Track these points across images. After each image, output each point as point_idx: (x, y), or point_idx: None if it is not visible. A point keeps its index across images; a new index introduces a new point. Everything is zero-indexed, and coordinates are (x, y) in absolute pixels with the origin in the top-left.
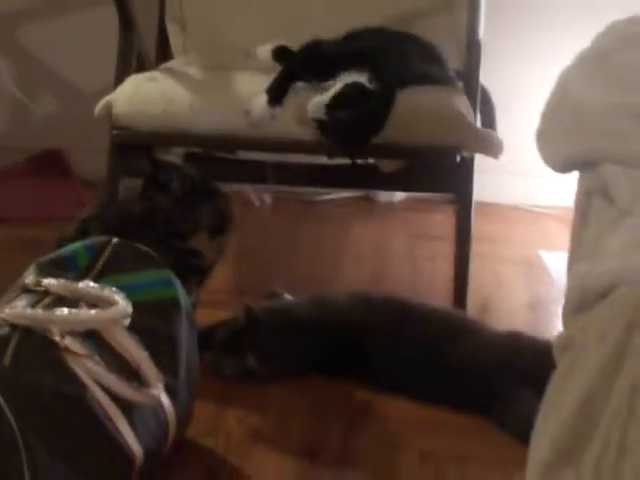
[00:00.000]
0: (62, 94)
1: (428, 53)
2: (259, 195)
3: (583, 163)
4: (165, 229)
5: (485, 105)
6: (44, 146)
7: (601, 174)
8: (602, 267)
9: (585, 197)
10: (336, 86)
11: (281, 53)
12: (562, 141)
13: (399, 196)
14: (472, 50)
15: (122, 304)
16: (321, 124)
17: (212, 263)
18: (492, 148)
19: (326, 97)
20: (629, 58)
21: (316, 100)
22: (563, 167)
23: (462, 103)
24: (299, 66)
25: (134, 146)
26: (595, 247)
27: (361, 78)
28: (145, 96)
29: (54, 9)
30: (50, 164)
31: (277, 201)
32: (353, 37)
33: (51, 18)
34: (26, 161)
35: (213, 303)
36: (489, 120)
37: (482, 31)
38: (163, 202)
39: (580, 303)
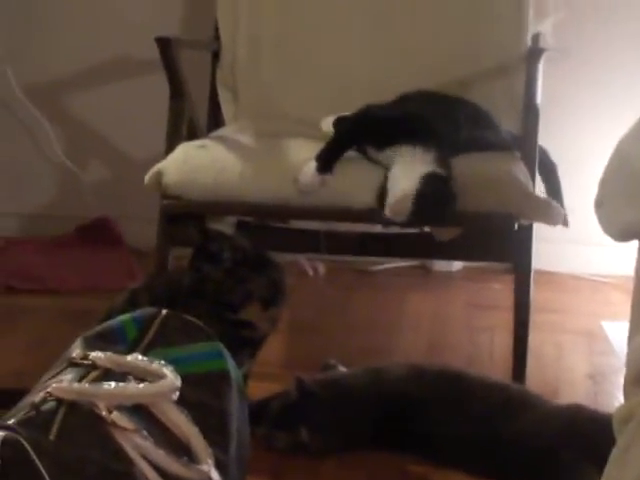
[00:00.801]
0: (112, 162)
1: (481, 118)
2: (313, 264)
3: None
4: (215, 300)
5: (550, 174)
6: (94, 215)
7: None
8: None
9: None
10: (407, 180)
11: (340, 122)
12: (621, 209)
13: (456, 265)
14: (530, 115)
15: (171, 378)
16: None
17: (264, 335)
18: (551, 216)
19: (404, 196)
20: None
21: (397, 200)
22: (623, 236)
23: (519, 170)
24: (350, 133)
25: (185, 215)
26: None
27: (426, 158)
28: (195, 164)
29: (104, 76)
30: (100, 233)
31: (331, 271)
32: (404, 101)
33: (101, 85)
34: (76, 231)
35: (266, 376)
36: (554, 189)
37: (540, 96)
38: (212, 272)
39: None
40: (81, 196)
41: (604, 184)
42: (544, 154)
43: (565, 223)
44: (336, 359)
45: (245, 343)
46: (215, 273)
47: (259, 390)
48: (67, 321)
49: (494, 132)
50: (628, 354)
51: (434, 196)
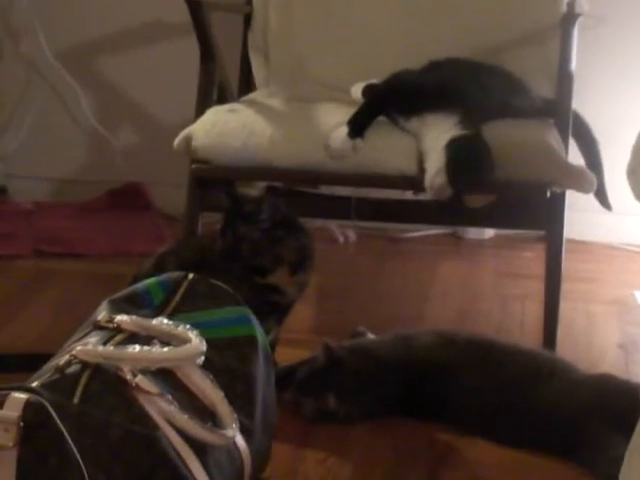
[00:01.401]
0: (143, 127)
1: (512, 85)
2: (343, 231)
3: None
4: (246, 264)
5: (589, 143)
6: (125, 180)
7: None
8: None
9: None
10: (435, 152)
11: (370, 89)
12: None
13: (488, 233)
14: (564, 82)
15: (196, 342)
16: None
17: (292, 300)
18: (584, 184)
19: (437, 171)
20: None
21: (431, 178)
22: None
23: (552, 136)
24: (382, 99)
25: (215, 180)
26: None
27: (451, 122)
28: (225, 128)
29: (135, 40)
30: (131, 198)
31: (362, 238)
32: (435, 68)
33: (132, 50)
34: (107, 195)
35: (294, 342)
36: (592, 157)
37: (574, 63)
38: (249, 234)
39: None
40: (112, 161)
41: (637, 151)
42: (579, 119)
43: (607, 206)
44: (365, 326)
45: (273, 309)
46: (252, 234)
47: (287, 356)
48: (96, 285)
49: (527, 99)
50: None
51: (464, 158)
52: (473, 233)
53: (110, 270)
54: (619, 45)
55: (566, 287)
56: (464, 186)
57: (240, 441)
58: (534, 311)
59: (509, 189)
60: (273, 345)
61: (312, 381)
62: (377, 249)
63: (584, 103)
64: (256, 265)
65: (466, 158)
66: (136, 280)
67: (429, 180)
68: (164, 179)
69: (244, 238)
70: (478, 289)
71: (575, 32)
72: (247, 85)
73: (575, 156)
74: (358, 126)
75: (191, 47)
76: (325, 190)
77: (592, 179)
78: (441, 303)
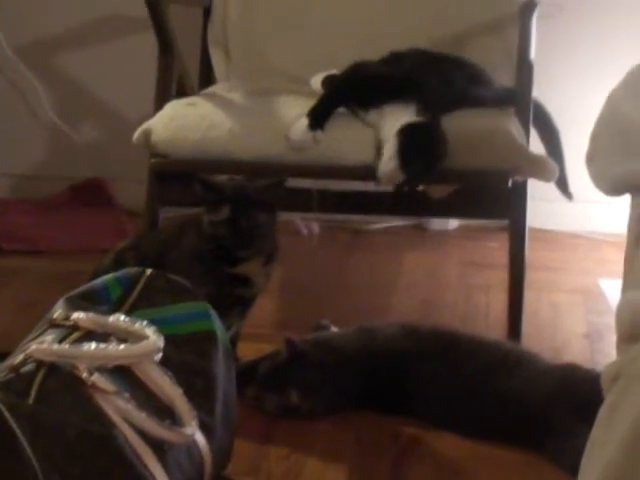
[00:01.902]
0: (104, 122)
1: (474, 75)
2: (307, 224)
3: (635, 185)
4: (220, 253)
5: (549, 131)
6: (86, 175)
7: None
8: None
9: (638, 221)
10: (390, 140)
11: (330, 81)
12: (612, 163)
13: (452, 224)
14: (524, 70)
15: (153, 338)
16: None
17: (257, 293)
18: (545, 172)
19: (389, 157)
20: None
21: (384, 164)
22: (614, 190)
23: (513, 125)
24: (341, 90)
25: (175, 174)
26: None
27: (407, 111)
28: (184, 121)
29: (94, 35)
30: (92, 194)
31: (325, 230)
32: (396, 58)
33: (92, 45)
34: (68, 191)
35: (257, 336)
36: (553, 146)
37: (534, 51)
38: (261, 219)
39: (631, 332)
40: (73, 157)
41: (595, 138)
42: (540, 108)
43: (569, 196)
44: (329, 320)
45: (237, 301)
46: (262, 219)
47: (250, 351)
48: (57, 282)
49: (489, 88)
50: (617, 310)
51: (415, 144)
52: (437, 224)
53: (71, 267)
54: (579, 33)
55: (530, 276)
56: (416, 172)
57: (200, 438)
58: (499, 301)
59: (471, 178)
60: (235, 340)
61: (274, 376)
62: (341, 241)
63: (545, 92)
64: (234, 254)
65: (418, 143)
66: (95, 276)
67: (381, 167)
68: (126, 174)
69: (258, 224)
70: (443, 280)
71: (534, 21)
72: (207, 79)
73: (536, 146)
74: (318, 118)
75: (151, 41)
76: (287, 182)
77: (553, 167)
78: (406, 294)
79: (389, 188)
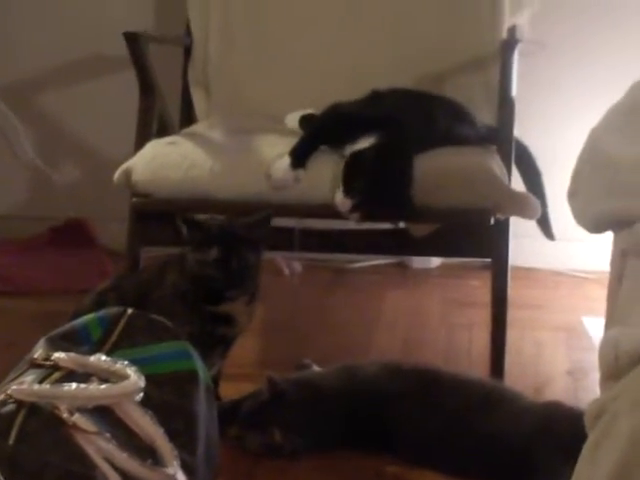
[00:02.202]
0: (85, 162)
1: (456, 113)
2: (289, 263)
3: (617, 222)
4: (202, 292)
5: (530, 169)
6: (67, 216)
7: (635, 233)
8: (636, 332)
9: (620, 258)
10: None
11: (307, 120)
12: (594, 199)
13: (434, 262)
14: (505, 107)
15: (134, 378)
16: (358, 210)
17: (239, 332)
18: (527, 209)
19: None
20: None
21: (339, 195)
22: (596, 227)
23: (495, 163)
24: (323, 129)
25: (156, 214)
26: (630, 310)
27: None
28: (164, 160)
29: (75, 75)
30: (74, 234)
31: (308, 269)
32: (377, 97)
33: (72, 84)
34: (49, 232)
35: (240, 376)
36: (535, 185)
37: (515, 89)
38: (251, 259)
39: (614, 370)
40: (54, 197)
41: (577, 175)
42: (522, 147)
43: (550, 236)
44: (311, 359)
45: (219, 340)
46: (252, 259)
47: (233, 390)
48: (38, 323)
49: (471, 126)
50: (600, 347)
51: (357, 169)
52: (419, 262)
53: (52, 307)
54: (561, 70)
55: (513, 314)
56: (361, 197)
57: (182, 478)
58: (481, 339)
59: (453, 216)
60: (217, 379)
61: (257, 415)
62: (323, 280)
63: (526, 130)
64: (222, 294)
65: (359, 168)
66: (76, 317)
67: (335, 197)
68: (108, 214)
69: (248, 264)
70: (425, 318)
71: (515, 58)
72: (188, 117)
73: (518, 185)
74: (300, 156)
75: (131, 80)
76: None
77: (536, 204)
78: (388, 333)
79: (372, 226)
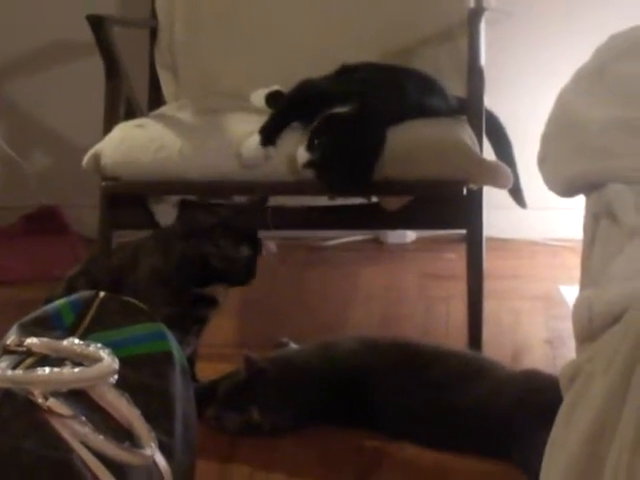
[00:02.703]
0: (55, 150)
1: (427, 85)
2: (264, 243)
3: (588, 185)
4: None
5: (501, 138)
6: (39, 204)
7: (606, 194)
8: (609, 293)
9: (592, 221)
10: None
11: (274, 97)
12: (563, 164)
13: (409, 237)
14: (474, 77)
15: (108, 360)
16: (313, 167)
17: (216, 312)
18: (500, 179)
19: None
20: (628, 69)
21: (300, 149)
22: (567, 191)
23: (466, 133)
24: (290, 107)
25: (127, 197)
26: (602, 272)
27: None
28: (133, 143)
29: (41, 62)
30: (46, 222)
31: (283, 249)
32: (346, 72)
33: (38, 71)
34: (21, 220)
35: (218, 356)
36: (506, 154)
37: (484, 58)
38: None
39: (588, 332)
40: (25, 185)
41: (546, 138)
42: (493, 118)
43: (523, 205)
44: (289, 337)
45: (197, 321)
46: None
47: (210, 371)
48: (12, 311)
49: (441, 98)
50: (574, 308)
51: (321, 130)
52: (395, 237)
53: (26, 296)
54: (528, 39)
55: (490, 285)
56: (320, 154)
57: (160, 460)
58: (459, 312)
59: (425, 188)
60: (193, 359)
61: (235, 395)
62: (298, 259)
63: (497, 99)
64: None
65: (327, 127)
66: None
67: (298, 157)
68: (80, 201)
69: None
70: (402, 293)
71: (482, 27)
72: (157, 100)
73: (489, 156)
74: (270, 134)
75: (97, 65)
76: (240, 201)
77: (508, 173)
78: (365, 309)
79: (345, 202)
